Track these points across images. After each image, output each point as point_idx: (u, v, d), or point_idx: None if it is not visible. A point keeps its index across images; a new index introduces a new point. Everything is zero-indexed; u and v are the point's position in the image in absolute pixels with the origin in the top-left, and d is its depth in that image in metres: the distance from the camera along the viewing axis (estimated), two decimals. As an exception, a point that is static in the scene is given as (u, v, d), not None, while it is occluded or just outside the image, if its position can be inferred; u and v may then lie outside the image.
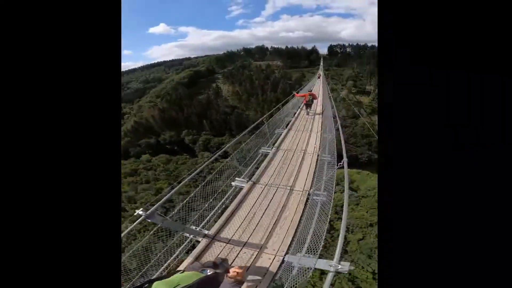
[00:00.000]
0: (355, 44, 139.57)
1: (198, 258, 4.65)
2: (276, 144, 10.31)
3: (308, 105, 15.71)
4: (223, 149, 5.83)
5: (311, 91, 17.53)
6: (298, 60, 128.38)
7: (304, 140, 11.20)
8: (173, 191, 4.68)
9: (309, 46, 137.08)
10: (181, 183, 4.65)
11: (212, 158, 5.90)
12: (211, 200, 5.89)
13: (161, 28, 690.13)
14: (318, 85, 35.09)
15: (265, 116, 10.60)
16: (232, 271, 3.17)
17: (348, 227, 31.42)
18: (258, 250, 4.92)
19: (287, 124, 13.81)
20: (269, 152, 9.36)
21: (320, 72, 63.62)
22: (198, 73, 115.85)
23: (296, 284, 3.88)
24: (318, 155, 9.02)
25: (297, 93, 19.84)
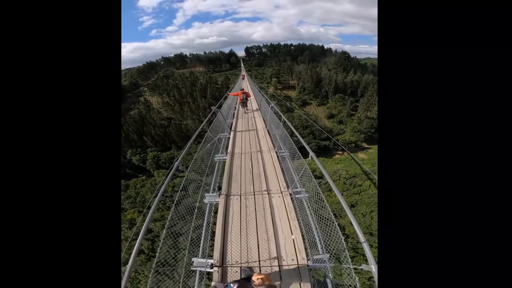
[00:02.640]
0: (268, 44, 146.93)
1: (226, 211, 5.72)
2: (233, 128, 12.45)
3: (244, 103, 16.21)
4: (177, 164, 5.47)
5: (243, 89, 18.09)
6: (219, 64, 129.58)
7: (253, 123, 13.43)
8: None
9: (226, 50, 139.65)
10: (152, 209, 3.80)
11: (170, 174, 5.19)
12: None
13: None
14: (245, 85, 36.22)
15: (212, 111, 11.29)
16: (256, 279, 3.19)
17: (335, 214, 33.07)
18: (266, 192, 6.33)
19: (233, 115, 15.21)
20: (229, 136, 11.29)
21: (243, 73, 65.19)
22: (122, 88, 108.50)
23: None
24: (267, 130, 11.28)
25: (230, 92, 20.69)
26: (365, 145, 66.78)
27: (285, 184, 6.42)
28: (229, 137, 11.28)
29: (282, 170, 7.26)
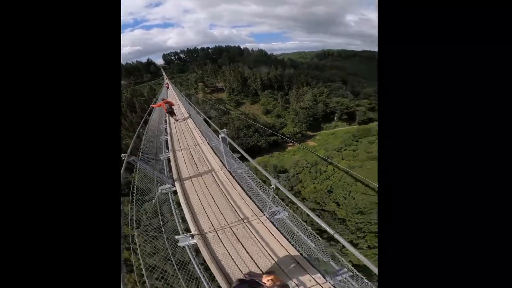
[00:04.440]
0: (185, 49, 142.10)
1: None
2: (175, 172, 8.53)
3: (171, 112, 15.63)
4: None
5: (164, 99, 18.50)
6: (140, 75, 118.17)
7: (201, 157, 9.59)
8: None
9: (143, 60, 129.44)
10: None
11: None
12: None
13: None
14: (172, 95, 34.51)
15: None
16: (267, 281, 3.20)
17: (318, 203, 32.87)
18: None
19: (166, 143, 11.84)
20: (174, 188, 7.49)
21: (167, 81, 61.72)
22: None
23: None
24: (228, 170, 8.04)
25: (154, 104, 20.68)
26: (310, 133, 68.71)
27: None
28: (174, 190, 7.21)
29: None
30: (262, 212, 5.87)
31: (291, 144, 61.55)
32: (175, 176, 7.95)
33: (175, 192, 7.26)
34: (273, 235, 5.19)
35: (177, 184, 7.31)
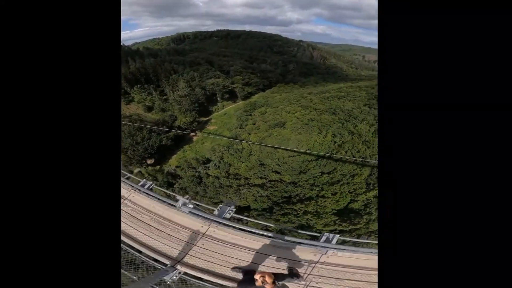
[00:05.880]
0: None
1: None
2: None
3: None
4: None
5: None
6: None
7: None
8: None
9: None
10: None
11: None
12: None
13: None
14: None
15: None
16: (259, 278, 3.25)
17: (261, 177, 33.83)
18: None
19: None
20: None
21: None
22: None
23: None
24: None
25: None
26: (203, 118, 69.07)
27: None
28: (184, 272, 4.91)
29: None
30: (311, 245, 5.11)
31: (194, 134, 61.69)
32: (157, 257, 5.15)
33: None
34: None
35: (182, 268, 4.92)
